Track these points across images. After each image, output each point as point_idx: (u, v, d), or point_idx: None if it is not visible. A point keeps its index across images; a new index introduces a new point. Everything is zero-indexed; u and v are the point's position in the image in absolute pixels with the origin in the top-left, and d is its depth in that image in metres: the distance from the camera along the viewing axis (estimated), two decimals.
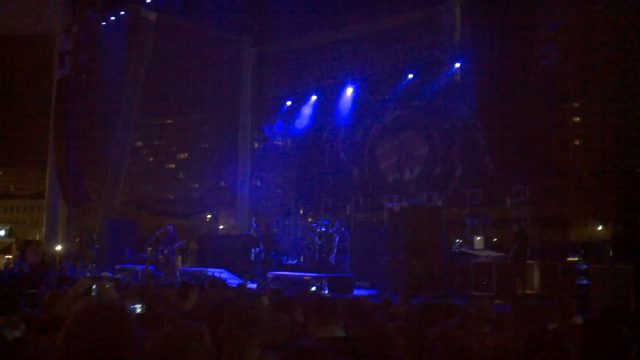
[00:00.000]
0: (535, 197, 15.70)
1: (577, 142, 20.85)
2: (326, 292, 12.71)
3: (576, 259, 13.94)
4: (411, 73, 19.92)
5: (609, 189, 16.72)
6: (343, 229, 15.74)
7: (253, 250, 16.28)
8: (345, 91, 21.59)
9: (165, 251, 16.28)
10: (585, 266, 12.92)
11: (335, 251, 15.12)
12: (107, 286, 4.28)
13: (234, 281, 13.30)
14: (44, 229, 24.08)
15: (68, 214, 23.06)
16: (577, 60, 17.19)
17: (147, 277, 13.63)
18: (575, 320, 5.10)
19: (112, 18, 22.54)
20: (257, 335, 2.87)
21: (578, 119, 21.37)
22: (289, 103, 23.13)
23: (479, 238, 15.59)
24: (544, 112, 16.31)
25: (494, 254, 13.73)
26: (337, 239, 15.39)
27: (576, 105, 20.47)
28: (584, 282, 12.36)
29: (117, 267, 17.55)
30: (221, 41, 23.94)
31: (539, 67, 16.40)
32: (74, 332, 2.34)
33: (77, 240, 24.07)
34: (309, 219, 20.13)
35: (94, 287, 4.53)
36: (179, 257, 18.28)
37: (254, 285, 13.98)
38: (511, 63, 16.34)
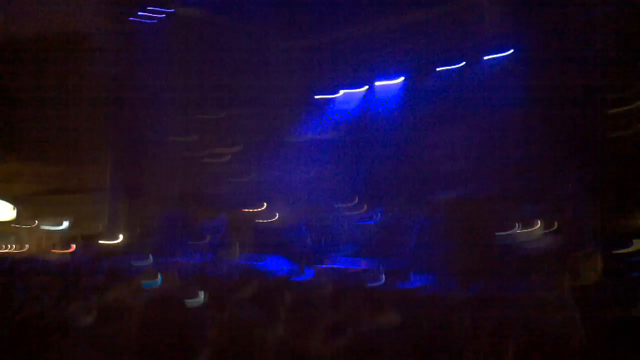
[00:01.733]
0: (593, 184, 15.35)
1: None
2: (382, 281, 12.72)
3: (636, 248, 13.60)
4: (461, 61, 19.66)
5: None
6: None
7: (307, 238, 16.43)
8: (392, 81, 21.47)
9: (222, 241, 16.56)
10: None
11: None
12: (171, 276, 4.43)
13: (289, 270, 13.48)
14: (103, 222, 24.80)
15: (127, 208, 23.67)
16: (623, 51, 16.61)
17: (206, 267, 13.93)
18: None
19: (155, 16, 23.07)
20: (319, 322, 2.94)
21: (633, 105, 20.70)
22: (339, 93, 23.18)
23: (534, 227, 15.36)
24: (603, 97, 15.87)
25: (550, 242, 13.52)
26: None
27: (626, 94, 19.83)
28: None
29: (176, 257, 17.94)
30: (267, 35, 24.12)
31: (591, 52, 15.97)
32: (145, 321, 2.47)
33: (136, 232, 24.66)
34: (363, 209, 20.15)
35: (158, 276, 4.70)
36: (236, 247, 18.58)
37: (310, 273, 14.13)
38: (562, 48, 15.96)
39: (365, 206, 19.98)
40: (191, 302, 2.79)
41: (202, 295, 5.04)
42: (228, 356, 2.50)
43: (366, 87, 22.45)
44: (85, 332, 2.91)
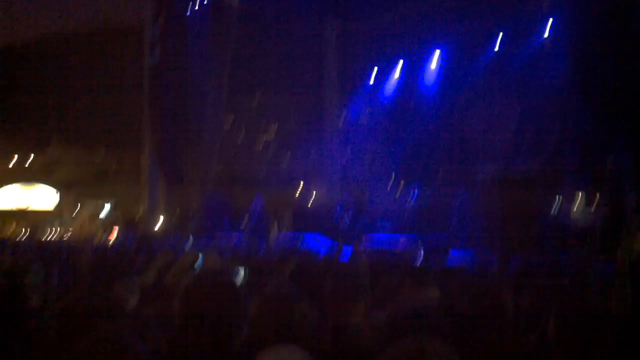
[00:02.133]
0: (637, 158, 14.98)
1: None
2: (422, 254, 12.62)
3: None
4: (503, 34, 19.29)
5: None
6: (460, 193, 15.10)
7: (346, 215, 16.43)
8: (433, 54, 21.20)
9: (260, 221, 16.70)
10: None
11: (450, 217, 14.56)
12: (213, 256, 4.46)
13: (329, 245, 13.51)
14: (144, 205, 25.20)
15: (167, 191, 24.00)
16: None
17: (245, 247, 14.04)
18: None
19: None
20: (359, 297, 2.92)
21: None
22: (375, 69, 22.99)
23: (579, 198, 15.08)
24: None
25: (595, 211, 13.27)
26: (450, 204, 14.81)
27: None
28: None
29: (217, 233, 18.14)
30: (304, 17, 24.02)
31: (635, 28, 15.48)
32: (187, 301, 2.48)
33: (176, 215, 24.99)
34: (402, 184, 20.04)
35: (200, 257, 4.74)
36: (275, 224, 18.73)
37: (348, 250, 14.13)
38: (609, 20, 15.51)
39: (403, 183, 19.87)
40: (232, 281, 2.80)
41: (242, 273, 5.07)
42: (269, 333, 2.50)
43: (402, 62, 22.18)
44: (129, 313, 2.94)
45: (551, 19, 18.05)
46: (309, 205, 23.42)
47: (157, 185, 24.06)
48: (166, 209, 23.62)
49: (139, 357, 1.59)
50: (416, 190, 18.05)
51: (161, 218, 23.24)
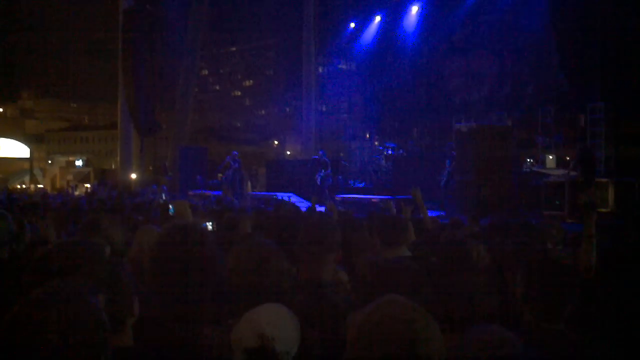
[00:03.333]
0: (610, 113, 15.12)
1: None
2: (393, 212, 12.65)
3: None
4: None
5: None
6: (453, 152, 14.94)
7: (319, 174, 16.40)
8: (410, 10, 21.03)
9: (234, 177, 16.67)
10: None
11: (446, 175, 14.39)
12: (182, 208, 4.38)
13: (302, 205, 13.49)
14: (118, 159, 24.92)
15: (140, 144, 23.73)
16: None
17: (219, 201, 13.99)
18: None
19: None
20: (331, 252, 2.92)
21: None
22: (352, 25, 22.75)
23: (550, 157, 15.23)
24: (622, 26, 15.46)
25: (566, 172, 13.40)
26: (447, 162, 14.66)
27: None
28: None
29: (189, 193, 18.04)
30: None
31: None
32: (160, 252, 2.44)
33: (150, 168, 24.82)
34: (376, 142, 20.06)
35: (170, 206, 4.69)
36: (248, 183, 18.67)
37: (322, 209, 14.14)
38: None
39: (378, 142, 19.91)
40: (208, 232, 2.77)
41: (210, 227, 5.04)
42: (247, 290, 2.48)
43: (380, 17, 21.98)
44: (99, 267, 2.89)
45: None
46: (284, 163, 23.41)
47: (131, 139, 23.74)
48: (140, 163, 23.41)
49: (91, 315, 1.54)
50: (391, 150, 18.06)
51: (134, 172, 23.03)
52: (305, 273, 2.86)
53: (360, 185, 18.19)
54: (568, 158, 15.23)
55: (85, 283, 1.88)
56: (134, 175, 22.78)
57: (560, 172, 13.89)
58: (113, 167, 26.49)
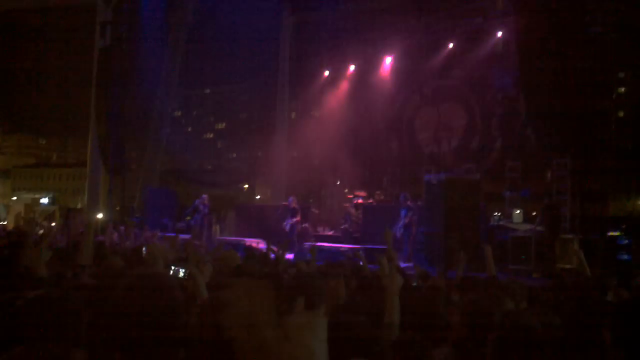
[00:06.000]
0: (576, 170, 15.43)
1: (621, 114, 20.34)
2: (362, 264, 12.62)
3: (617, 233, 13.71)
4: (452, 42, 19.65)
5: None
6: (409, 202, 15.00)
7: (288, 220, 16.36)
8: (384, 61, 21.42)
9: (202, 221, 16.54)
10: (626, 241, 12.71)
11: (401, 226, 14.43)
12: (158, 249, 4.33)
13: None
14: (85, 197, 24.58)
15: (109, 183, 23.48)
16: (625, 29, 16.69)
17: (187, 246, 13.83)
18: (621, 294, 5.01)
19: None
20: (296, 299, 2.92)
21: (623, 89, 20.83)
22: (326, 73, 23.05)
23: (517, 211, 15.42)
24: (587, 83, 15.93)
25: (532, 227, 13.57)
26: (402, 213, 14.76)
27: (621, 75, 19.93)
28: (625, 257, 12.18)
29: (158, 235, 17.82)
30: (260, 10, 23.87)
31: (584, 36, 15.97)
32: (125, 299, 2.41)
33: (118, 208, 24.50)
34: (346, 190, 20.12)
35: (143, 248, 4.63)
36: (217, 227, 18.51)
37: (290, 256, 14.07)
38: (555, 31, 15.93)
39: (347, 191, 19.96)
40: (174, 281, 2.74)
41: (183, 271, 4.97)
42: (210, 342, 2.44)
43: (354, 66, 22.32)
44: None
45: (500, 31, 18.45)
46: (254, 208, 23.31)
47: (100, 177, 23.49)
48: (108, 203, 23.11)
49: None
50: (360, 200, 18.12)
51: (101, 212, 22.71)
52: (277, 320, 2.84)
53: (329, 233, 18.18)
54: (534, 213, 15.44)
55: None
56: (100, 215, 22.46)
57: (527, 227, 14.06)
58: (79, 205, 26.08)
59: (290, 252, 15.02)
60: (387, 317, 3.23)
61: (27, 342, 2.27)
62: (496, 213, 16.01)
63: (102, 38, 23.00)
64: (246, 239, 16.28)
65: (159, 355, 2.30)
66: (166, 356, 2.32)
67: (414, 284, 5.72)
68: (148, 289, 2.44)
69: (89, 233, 5.30)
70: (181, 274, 5.21)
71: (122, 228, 17.36)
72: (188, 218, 17.37)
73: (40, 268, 4.20)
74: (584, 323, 3.51)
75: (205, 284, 3.53)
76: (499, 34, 18.54)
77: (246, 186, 32.80)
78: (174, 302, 2.44)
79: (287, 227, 16.27)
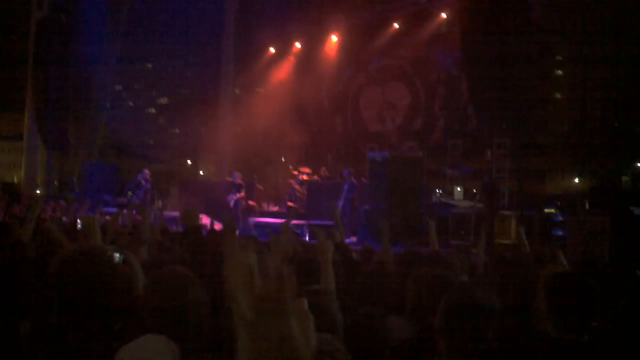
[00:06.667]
0: (515, 149, 15.87)
1: (558, 95, 20.95)
2: (306, 238, 12.78)
3: (552, 210, 14.23)
4: (397, 22, 19.81)
5: (588, 143, 16.94)
6: (353, 178, 15.06)
7: (232, 196, 16.32)
8: (330, 39, 21.43)
9: (145, 197, 16.33)
10: (561, 218, 13.19)
11: (342, 200, 14.49)
12: (92, 223, 4.25)
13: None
14: (22, 172, 23.90)
15: (47, 157, 22.86)
16: (563, 12, 17.16)
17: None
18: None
19: None
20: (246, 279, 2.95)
21: (560, 72, 21.43)
22: (272, 50, 22.90)
23: (458, 189, 15.80)
24: (527, 65, 16.36)
25: (472, 204, 13.95)
26: (345, 187, 14.66)
27: (559, 58, 20.50)
28: (560, 233, 12.64)
29: (98, 210, 17.51)
30: None
31: (524, 18, 16.35)
32: (60, 277, 2.40)
33: (56, 183, 23.92)
34: (290, 167, 20.15)
35: (78, 222, 4.57)
36: (158, 202, 18.31)
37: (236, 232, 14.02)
38: (497, 14, 16.27)
39: (292, 167, 19.99)
40: (111, 258, 2.75)
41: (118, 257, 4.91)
42: (157, 315, 2.44)
43: (300, 44, 22.26)
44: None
45: (444, 13, 18.74)
46: (197, 184, 23.11)
47: (37, 151, 22.85)
48: (46, 177, 22.53)
49: None
50: (305, 177, 18.20)
51: (39, 187, 22.14)
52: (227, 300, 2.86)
53: (274, 210, 18.22)
54: (475, 190, 15.84)
55: None
56: (38, 191, 21.90)
57: (467, 203, 14.43)
58: (16, 180, 25.33)
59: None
60: (323, 286, 3.31)
61: None
62: (438, 190, 16.35)
63: (40, 8, 22.26)
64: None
65: (96, 324, 2.32)
66: (104, 325, 2.34)
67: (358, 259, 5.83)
68: (85, 261, 2.45)
69: (35, 209, 5.18)
70: (116, 259, 5.13)
71: (62, 202, 17.03)
72: (130, 193, 17.10)
73: None
74: (522, 293, 3.67)
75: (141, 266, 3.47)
76: (443, 14, 18.80)
77: (189, 162, 32.43)
78: (111, 271, 2.46)
79: (232, 203, 16.23)
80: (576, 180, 20.18)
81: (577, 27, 17.15)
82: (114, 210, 17.57)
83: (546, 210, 14.07)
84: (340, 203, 14.19)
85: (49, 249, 4.67)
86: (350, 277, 4.09)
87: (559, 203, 14.86)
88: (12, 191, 20.01)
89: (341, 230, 6.12)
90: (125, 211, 16.51)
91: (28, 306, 2.51)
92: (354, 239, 13.72)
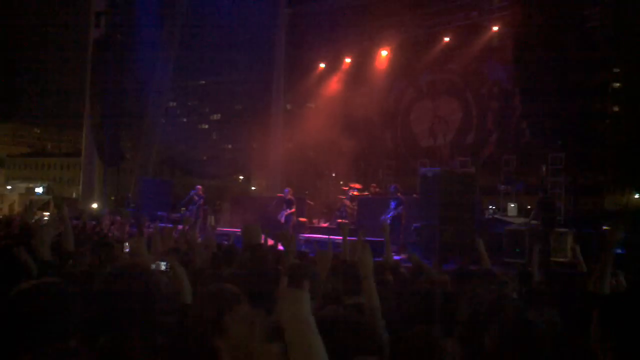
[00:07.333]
0: (571, 164, 15.49)
1: (616, 109, 20.40)
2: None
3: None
4: (447, 36, 19.65)
5: None
6: (399, 194, 14.92)
7: (284, 212, 16.35)
8: (380, 54, 21.41)
9: (197, 212, 16.53)
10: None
11: (390, 217, 14.36)
12: (137, 243, 4.29)
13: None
14: (80, 187, 24.56)
15: (104, 173, 23.42)
16: (621, 25, 16.72)
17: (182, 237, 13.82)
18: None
19: None
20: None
21: (618, 84, 20.87)
22: (322, 65, 23.02)
23: (512, 205, 15.48)
24: (583, 78, 15.97)
25: (527, 221, 13.63)
26: (392, 204, 14.63)
27: (616, 70, 19.97)
28: (619, 251, 12.23)
29: (151, 226, 17.79)
30: (256, 1, 23.81)
31: (580, 31, 16.00)
32: (105, 290, 2.43)
33: (112, 198, 24.48)
34: (341, 182, 20.12)
35: (126, 244, 4.62)
36: (212, 218, 18.49)
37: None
38: (551, 26, 15.97)
39: (344, 179, 19.98)
40: (154, 272, 2.76)
41: (164, 264, 4.94)
42: (199, 329, 2.44)
43: (350, 59, 22.31)
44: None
45: (496, 26, 18.46)
46: (248, 199, 23.29)
47: (94, 167, 23.46)
48: (103, 193, 23.09)
49: None
50: (356, 192, 18.12)
51: (96, 202, 22.69)
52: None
53: (324, 225, 18.18)
54: (529, 207, 15.50)
55: None
56: (95, 205, 22.45)
57: (521, 220, 14.12)
58: (74, 195, 26.02)
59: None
60: (367, 302, 3.22)
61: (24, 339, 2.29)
62: (491, 206, 16.05)
63: (97, 27, 22.92)
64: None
65: (138, 340, 2.33)
66: (144, 341, 2.35)
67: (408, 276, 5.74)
68: (129, 277, 2.48)
69: (65, 218, 5.26)
70: (162, 267, 5.18)
71: (118, 218, 17.36)
72: (183, 209, 17.34)
73: (45, 250, 4.19)
74: (578, 316, 3.53)
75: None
76: (495, 28, 18.56)
77: (241, 177, 32.77)
78: (153, 288, 2.47)
79: (283, 219, 16.27)
80: (636, 195, 19.57)
81: (635, 39, 16.69)
82: (166, 225, 17.86)
83: (604, 227, 13.65)
84: (386, 219, 14.03)
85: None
86: (399, 295, 4.01)
87: (617, 220, 14.41)
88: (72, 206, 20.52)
89: (388, 248, 6.03)
90: (179, 227, 16.78)
91: (76, 323, 2.54)
92: (402, 256, 13.54)
